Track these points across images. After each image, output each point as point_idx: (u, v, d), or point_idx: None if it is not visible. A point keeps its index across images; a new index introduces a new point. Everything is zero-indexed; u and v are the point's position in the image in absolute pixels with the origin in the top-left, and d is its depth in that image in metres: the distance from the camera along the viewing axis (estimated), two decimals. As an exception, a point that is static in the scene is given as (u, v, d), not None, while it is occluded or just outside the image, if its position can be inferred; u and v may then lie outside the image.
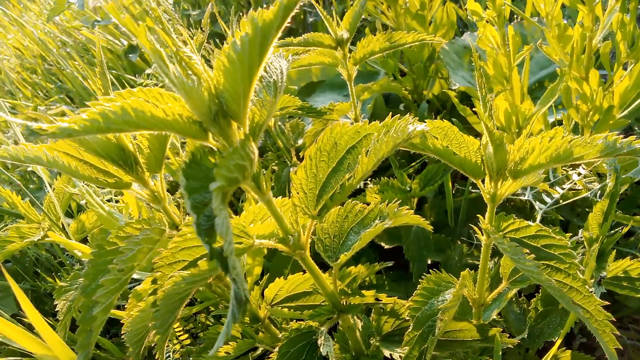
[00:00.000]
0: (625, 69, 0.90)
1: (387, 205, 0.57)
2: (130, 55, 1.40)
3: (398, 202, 0.58)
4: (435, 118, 1.21)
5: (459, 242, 1.14)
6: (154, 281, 0.48)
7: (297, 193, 0.43)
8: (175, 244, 0.46)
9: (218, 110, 0.36)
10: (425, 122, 0.48)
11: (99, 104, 0.35)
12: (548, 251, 0.53)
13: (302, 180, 0.43)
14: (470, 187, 1.07)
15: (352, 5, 1.01)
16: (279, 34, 0.35)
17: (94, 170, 0.49)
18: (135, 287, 0.58)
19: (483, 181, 0.55)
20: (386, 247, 1.16)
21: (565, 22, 0.86)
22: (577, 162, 0.48)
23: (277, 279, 0.69)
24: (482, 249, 0.63)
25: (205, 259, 0.43)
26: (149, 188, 0.51)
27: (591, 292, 0.53)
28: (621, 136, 0.46)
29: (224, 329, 0.30)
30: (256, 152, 0.37)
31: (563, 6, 0.87)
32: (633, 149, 0.45)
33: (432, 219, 1.19)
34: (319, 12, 0.90)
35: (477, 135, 1.03)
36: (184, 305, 0.46)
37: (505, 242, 0.49)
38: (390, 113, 0.51)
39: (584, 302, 0.53)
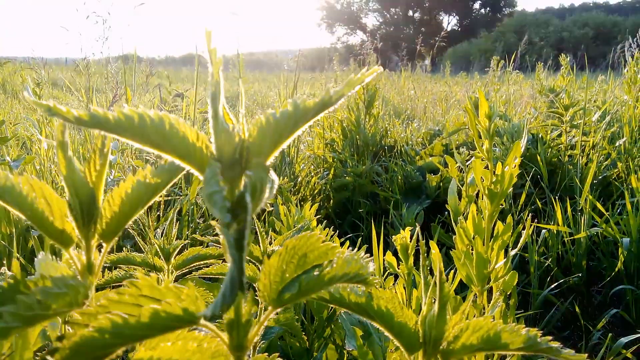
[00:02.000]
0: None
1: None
2: (33, 231, 1.32)
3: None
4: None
5: None
6: (59, 339, 0.38)
7: (264, 278, 0.42)
8: (106, 302, 0.39)
9: (240, 156, 0.39)
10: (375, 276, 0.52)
11: (137, 109, 0.37)
12: None
13: (272, 269, 0.42)
14: None
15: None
16: (311, 123, 0.43)
17: (46, 212, 0.44)
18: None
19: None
20: None
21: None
22: (502, 352, 0.52)
23: None
24: None
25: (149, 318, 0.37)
26: (89, 255, 0.45)
27: None
28: (540, 332, 0.52)
29: (215, 301, 0.26)
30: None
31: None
32: (549, 347, 0.51)
33: None
34: (256, 226, 0.98)
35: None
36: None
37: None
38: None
39: None
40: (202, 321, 0.40)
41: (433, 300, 0.53)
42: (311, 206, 1.39)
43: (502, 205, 1.04)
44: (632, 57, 3.50)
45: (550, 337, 0.52)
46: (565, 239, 2.16)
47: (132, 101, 3.61)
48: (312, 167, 3.31)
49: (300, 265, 0.46)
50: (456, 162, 2.88)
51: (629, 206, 1.93)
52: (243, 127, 0.41)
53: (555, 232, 2.15)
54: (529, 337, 0.51)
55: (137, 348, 0.50)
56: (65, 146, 0.41)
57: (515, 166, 0.92)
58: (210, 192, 0.30)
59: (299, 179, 3.02)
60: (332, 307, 1.29)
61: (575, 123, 2.88)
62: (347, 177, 3.06)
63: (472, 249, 0.99)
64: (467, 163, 2.22)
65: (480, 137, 1.04)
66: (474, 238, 0.98)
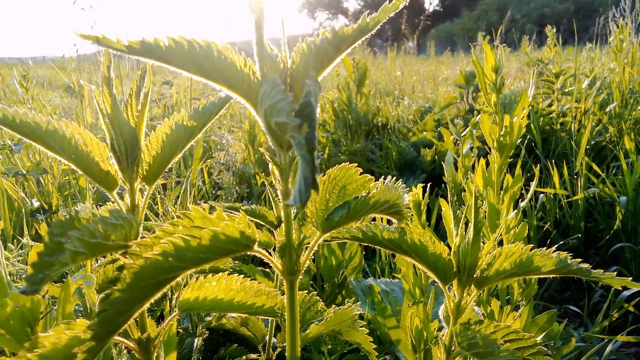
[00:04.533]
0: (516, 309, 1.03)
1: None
2: (37, 215, 1.32)
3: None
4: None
5: None
6: (120, 268, 0.39)
7: (311, 205, 0.43)
8: (161, 233, 0.40)
9: (284, 84, 0.40)
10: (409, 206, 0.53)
11: (185, 37, 0.38)
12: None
13: (317, 197, 0.44)
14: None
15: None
16: (349, 50, 0.44)
17: (91, 157, 0.44)
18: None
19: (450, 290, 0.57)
20: None
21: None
22: (535, 275, 0.53)
23: None
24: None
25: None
26: (133, 197, 0.46)
27: None
28: (570, 255, 0.54)
29: (294, 195, 0.28)
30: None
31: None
32: (580, 268, 0.53)
33: None
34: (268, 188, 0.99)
35: None
36: (156, 296, 0.37)
37: (477, 335, 0.49)
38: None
39: None
40: (256, 247, 0.41)
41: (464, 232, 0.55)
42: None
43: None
44: (617, 26, 3.54)
45: (579, 259, 0.54)
46: (563, 202, 2.20)
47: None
48: (307, 147, 3.32)
49: (340, 197, 0.47)
50: (451, 134, 2.89)
51: (624, 165, 1.97)
52: (286, 55, 0.42)
53: (552, 196, 2.18)
54: (560, 259, 0.53)
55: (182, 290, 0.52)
56: (111, 82, 0.41)
57: (523, 117, 0.94)
58: (274, 102, 0.31)
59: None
60: (342, 273, 1.31)
61: (566, 90, 2.91)
62: (341, 156, 3.08)
63: (483, 202, 1.01)
64: (462, 134, 2.23)
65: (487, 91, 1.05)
66: (484, 191, 1.00)
